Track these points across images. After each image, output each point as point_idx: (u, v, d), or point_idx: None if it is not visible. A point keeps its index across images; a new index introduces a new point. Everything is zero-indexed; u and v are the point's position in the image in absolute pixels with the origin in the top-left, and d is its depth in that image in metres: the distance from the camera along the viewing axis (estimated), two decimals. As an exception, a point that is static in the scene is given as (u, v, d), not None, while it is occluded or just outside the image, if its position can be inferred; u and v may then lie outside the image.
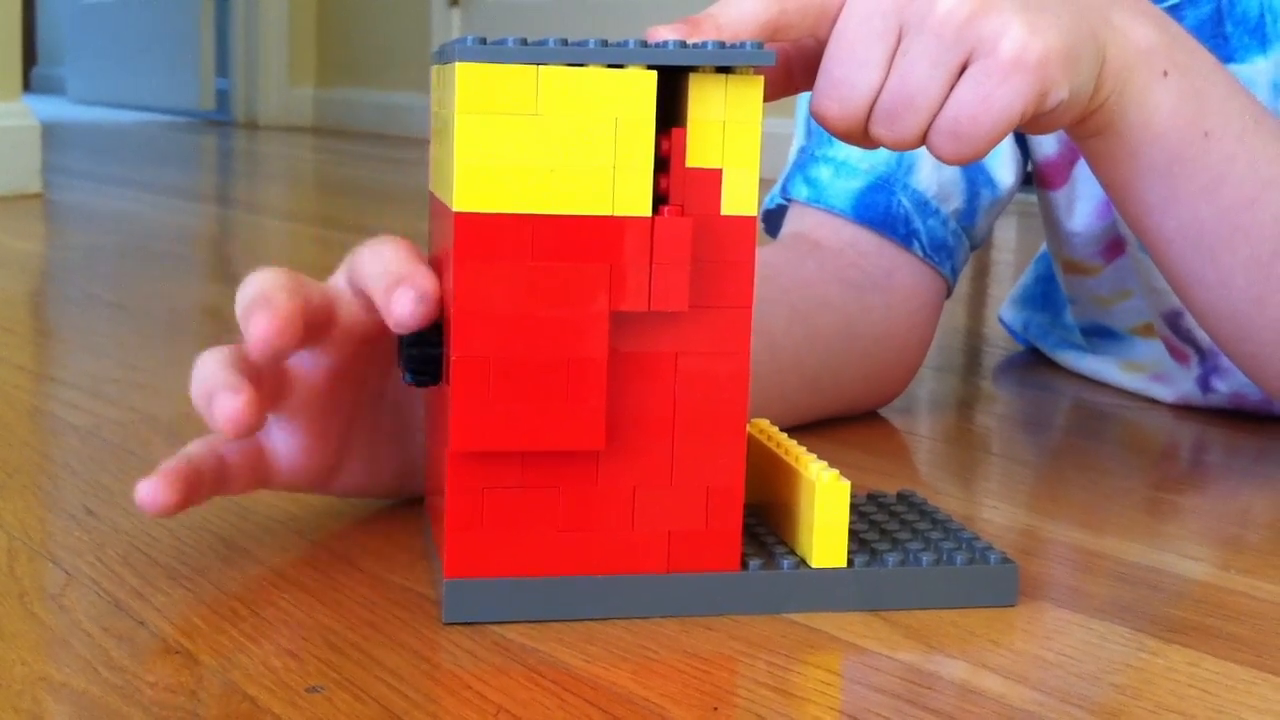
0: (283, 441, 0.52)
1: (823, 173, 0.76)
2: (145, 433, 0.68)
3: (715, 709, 0.41)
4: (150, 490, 0.47)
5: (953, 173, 0.75)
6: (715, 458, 0.46)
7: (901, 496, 0.55)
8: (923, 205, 0.75)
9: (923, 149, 0.74)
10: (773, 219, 0.82)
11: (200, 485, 0.49)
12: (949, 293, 0.78)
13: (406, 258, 0.47)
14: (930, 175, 0.75)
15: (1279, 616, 0.49)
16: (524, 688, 0.41)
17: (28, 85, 4.61)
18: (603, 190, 0.44)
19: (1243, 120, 0.58)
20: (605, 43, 0.44)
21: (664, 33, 0.47)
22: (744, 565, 0.48)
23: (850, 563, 0.48)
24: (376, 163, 2.68)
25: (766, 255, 0.75)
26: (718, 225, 0.45)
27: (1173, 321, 0.79)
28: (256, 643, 0.44)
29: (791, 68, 0.53)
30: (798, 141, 0.79)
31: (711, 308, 0.46)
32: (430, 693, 0.41)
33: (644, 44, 0.44)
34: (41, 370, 0.86)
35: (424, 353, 0.45)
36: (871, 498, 0.55)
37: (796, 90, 0.54)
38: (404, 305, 0.45)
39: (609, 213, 0.44)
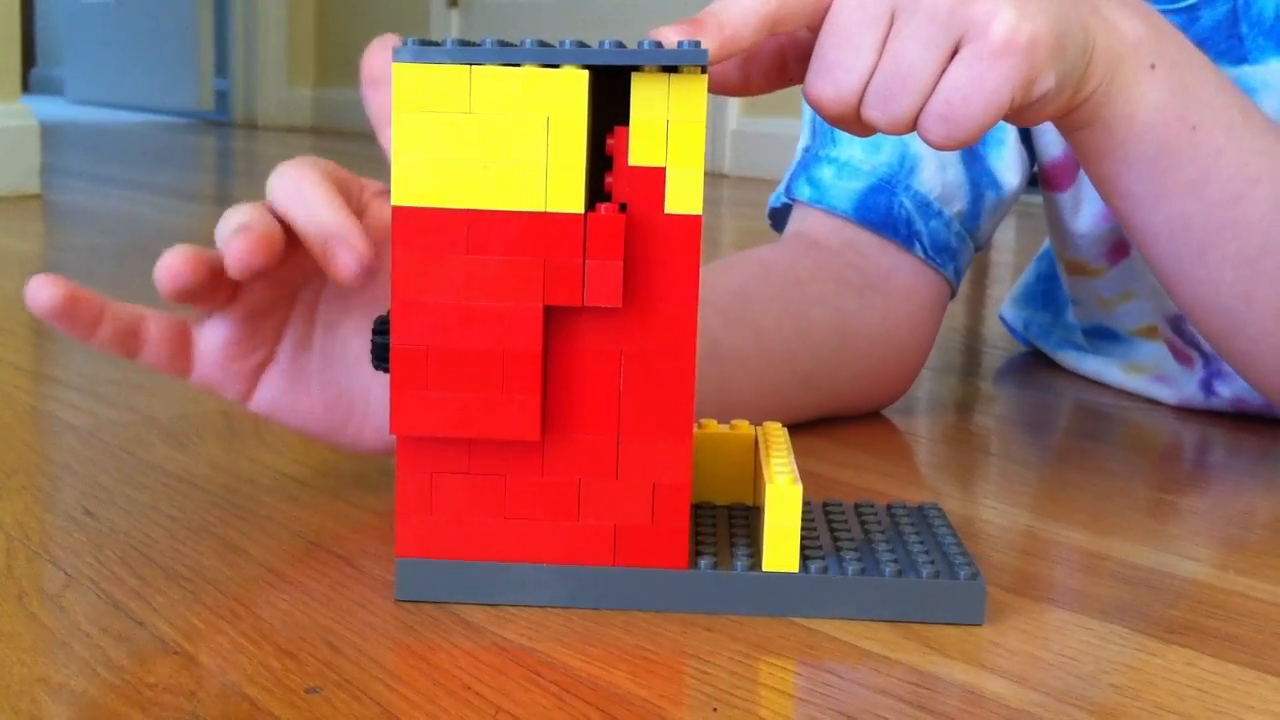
0: (211, 335, 0.53)
1: (825, 173, 0.76)
2: (144, 433, 0.68)
3: (715, 710, 0.41)
4: (40, 280, 0.49)
5: (956, 174, 0.75)
6: (661, 455, 0.47)
7: (920, 508, 0.54)
8: (925, 207, 0.74)
9: (923, 152, 0.75)
10: (778, 217, 0.82)
11: (99, 316, 0.50)
12: (953, 294, 0.78)
13: (332, 203, 0.50)
14: (933, 177, 0.75)
15: (1278, 617, 0.49)
16: (523, 688, 0.41)
17: (26, 86, 4.60)
18: (535, 187, 0.45)
19: (1230, 115, 0.59)
20: (542, 43, 0.44)
21: (666, 33, 0.47)
22: (694, 564, 0.48)
23: (805, 569, 0.47)
24: (375, 164, 2.67)
25: (764, 253, 0.76)
26: (661, 224, 0.45)
27: (1176, 324, 0.79)
28: (255, 643, 0.44)
29: (786, 59, 0.53)
30: (803, 141, 0.79)
31: (655, 306, 0.46)
32: (429, 693, 0.41)
33: (580, 44, 0.45)
34: (40, 371, 0.86)
35: (381, 341, 0.48)
36: (889, 508, 0.54)
37: (792, 82, 0.54)
38: (349, 267, 0.49)
39: (542, 209, 0.45)
